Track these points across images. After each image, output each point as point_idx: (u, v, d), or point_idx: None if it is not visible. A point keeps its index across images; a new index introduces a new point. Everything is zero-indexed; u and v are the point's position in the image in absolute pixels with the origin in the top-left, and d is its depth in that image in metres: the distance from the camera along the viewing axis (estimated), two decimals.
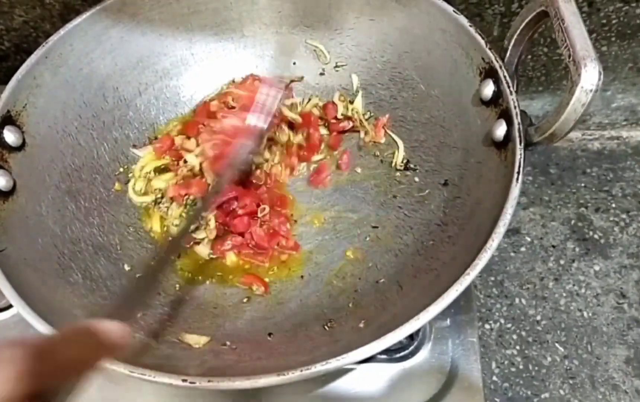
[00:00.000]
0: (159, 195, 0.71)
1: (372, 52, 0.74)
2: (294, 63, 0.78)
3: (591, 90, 0.49)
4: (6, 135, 0.60)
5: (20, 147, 0.62)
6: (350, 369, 0.59)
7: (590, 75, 0.48)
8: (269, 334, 0.58)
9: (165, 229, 0.69)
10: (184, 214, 0.69)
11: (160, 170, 0.73)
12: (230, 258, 0.66)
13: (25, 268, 0.55)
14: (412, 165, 0.70)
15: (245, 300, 0.63)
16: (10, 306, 0.65)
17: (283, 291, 0.64)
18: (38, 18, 0.84)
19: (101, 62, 0.71)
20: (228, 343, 0.57)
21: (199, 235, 0.66)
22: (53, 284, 0.56)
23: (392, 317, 0.53)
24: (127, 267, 0.64)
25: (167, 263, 0.58)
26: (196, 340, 0.57)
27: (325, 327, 0.58)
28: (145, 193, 0.71)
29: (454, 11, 0.64)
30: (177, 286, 0.64)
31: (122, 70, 0.73)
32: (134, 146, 0.73)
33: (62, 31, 0.67)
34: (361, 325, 0.55)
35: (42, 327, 0.48)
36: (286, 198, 0.71)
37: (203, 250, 0.66)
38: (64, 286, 0.57)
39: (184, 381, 0.45)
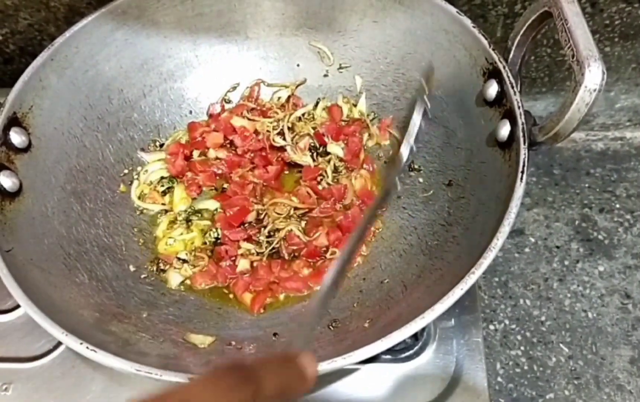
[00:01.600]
0: (165, 209, 0.71)
1: (376, 54, 0.74)
2: (298, 64, 0.79)
3: (595, 90, 0.49)
4: (12, 136, 0.61)
5: (27, 149, 0.62)
6: (355, 369, 0.59)
7: (593, 75, 0.48)
8: (274, 334, 0.58)
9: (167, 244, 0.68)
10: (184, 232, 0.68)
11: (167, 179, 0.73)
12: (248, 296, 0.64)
13: (32, 268, 0.55)
14: (416, 166, 0.70)
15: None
16: (16, 307, 0.65)
17: None
18: (43, 21, 0.84)
19: (106, 64, 0.71)
20: (233, 343, 0.57)
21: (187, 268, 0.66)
22: (59, 284, 0.56)
23: (397, 316, 0.53)
24: (132, 268, 0.65)
25: None
26: (201, 340, 0.57)
27: (330, 327, 0.58)
28: (151, 199, 0.71)
29: (457, 12, 0.65)
30: (182, 287, 0.65)
31: (127, 72, 0.73)
32: (142, 150, 0.73)
33: (67, 33, 0.67)
34: (366, 324, 0.55)
35: (50, 327, 0.48)
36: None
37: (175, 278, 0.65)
38: (70, 286, 0.57)
39: (190, 379, 0.45)
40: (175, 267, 0.65)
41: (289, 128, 0.75)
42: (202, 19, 0.75)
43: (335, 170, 0.72)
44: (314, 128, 0.75)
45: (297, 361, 0.36)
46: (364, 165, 0.73)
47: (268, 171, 0.72)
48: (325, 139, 0.74)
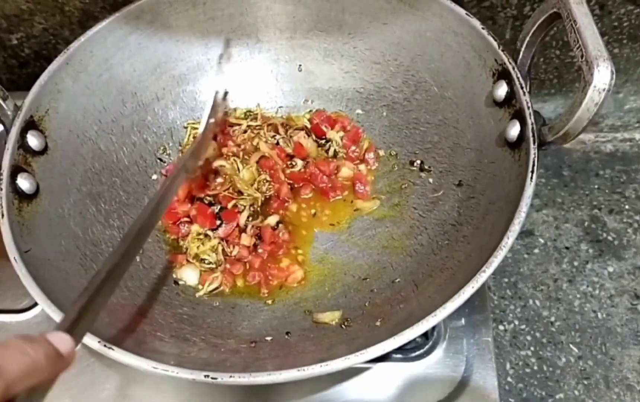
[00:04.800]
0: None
1: (385, 56, 0.75)
2: (300, 65, 0.80)
3: (604, 90, 0.49)
4: (29, 139, 0.62)
5: (43, 151, 0.63)
6: (366, 368, 0.60)
7: (602, 75, 0.49)
8: (287, 333, 0.59)
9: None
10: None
11: None
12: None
13: (50, 268, 0.56)
14: (426, 167, 0.70)
15: (263, 301, 0.64)
16: (32, 306, 0.66)
17: (300, 291, 0.65)
18: (57, 25, 0.85)
19: (120, 68, 0.72)
20: (248, 341, 0.58)
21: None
22: (76, 284, 0.57)
23: (409, 315, 0.53)
24: (146, 268, 0.65)
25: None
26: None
27: (342, 326, 0.59)
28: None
29: (466, 14, 0.65)
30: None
31: (140, 75, 0.74)
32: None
33: (82, 38, 0.68)
34: (378, 323, 0.56)
35: None
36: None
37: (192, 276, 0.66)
38: None
39: (206, 376, 0.45)
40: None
41: (282, 124, 0.77)
42: (214, 22, 0.76)
43: (335, 155, 0.75)
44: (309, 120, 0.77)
45: (46, 339, 0.34)
46: (367, 156, 0.74)
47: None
48: (324, 128, 0.76)
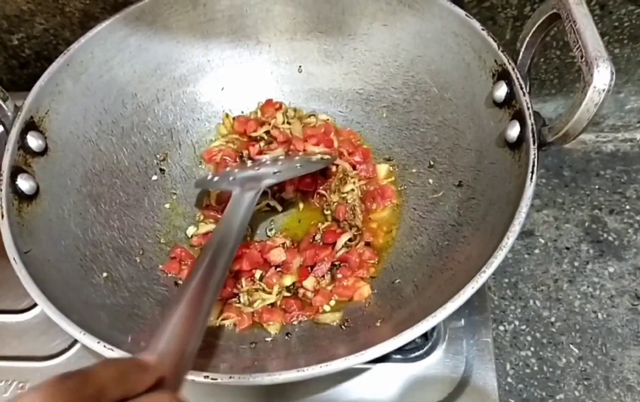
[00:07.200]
0: None
1: (385, 57, 0.75)
2: (300, 67, 0.80)
3: (604, 90, 0.49)
4: (30, 140, 0.62)
5: (43, 152, 0.63)
6: (365, 369, 0.60)
7: (602, 75, 0.49)
8: (287, 334, 0.59)
9: None
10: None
11: None
12: None
13: (50, 269, 0.56)
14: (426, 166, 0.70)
15: None
16: (32, 307, 0.66)
17: None
18: (58, 26, 0.86)
19: (120, 69, 0.72)
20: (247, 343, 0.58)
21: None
22: (76, 285, 0.57)
23: (409, 315, 0.53)
24: (147, 269, 0.65)
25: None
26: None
27: (342, 326, 0.59)
28: None
29: (466, 15, 0.65)
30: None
31: (141, 77, 0.74)
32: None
33: (82, 39, 0.68)
34: (378, 324, 0.56)
35: (67, 326, 0.49)
36: None
37: None
38: (87, 287, 0.58)
39: (205, 377, 0.45)
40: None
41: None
42: (214, 24, 0.76)
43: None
44: None
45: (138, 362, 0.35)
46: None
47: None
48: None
